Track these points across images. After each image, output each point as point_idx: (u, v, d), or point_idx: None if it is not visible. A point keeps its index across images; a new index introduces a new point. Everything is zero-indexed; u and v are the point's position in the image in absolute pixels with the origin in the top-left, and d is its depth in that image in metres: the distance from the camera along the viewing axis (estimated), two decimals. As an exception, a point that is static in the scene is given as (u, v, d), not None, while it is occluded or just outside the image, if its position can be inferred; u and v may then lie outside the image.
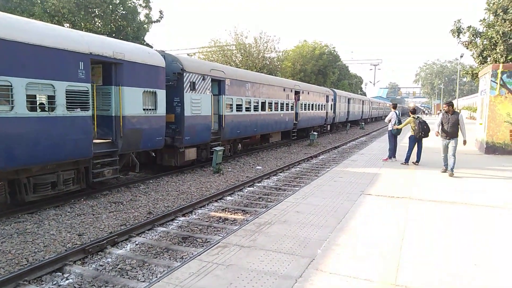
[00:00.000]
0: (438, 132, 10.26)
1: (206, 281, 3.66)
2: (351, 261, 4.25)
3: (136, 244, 6.60)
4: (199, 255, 4.44)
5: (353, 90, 62.43)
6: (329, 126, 33.05)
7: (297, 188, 9.72)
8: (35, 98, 8.33)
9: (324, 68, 46.98)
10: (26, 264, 5.60)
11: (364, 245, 4.76)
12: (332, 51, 50.41)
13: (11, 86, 7.17)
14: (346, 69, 63.67)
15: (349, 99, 38.92)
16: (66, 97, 8.31)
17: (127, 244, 6.60)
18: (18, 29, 7.43)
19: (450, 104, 10.19)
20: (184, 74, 12.38)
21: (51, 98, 8.10)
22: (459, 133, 9.92)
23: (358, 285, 3.67)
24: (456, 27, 21.03)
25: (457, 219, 6.00)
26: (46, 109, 8.10)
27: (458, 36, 21.09)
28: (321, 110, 29.53)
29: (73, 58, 8.44)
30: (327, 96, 31.04)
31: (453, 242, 4.92)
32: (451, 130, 9.85)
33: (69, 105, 8.40)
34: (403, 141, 19.43)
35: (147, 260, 5.89)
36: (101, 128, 10.00)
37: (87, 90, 8.83)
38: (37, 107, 8.16)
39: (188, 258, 5.28)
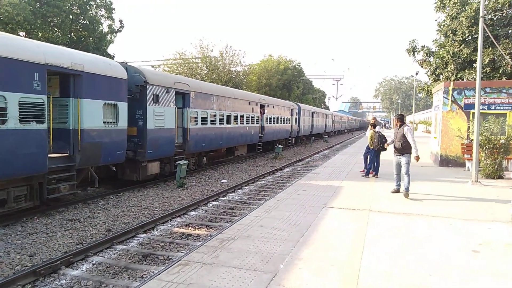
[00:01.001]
0: (388, 144, 10.27)
1: (165, 302, 3.53)
2: (313, 275, 4.27)
3: (93, 264, 6.28)
4: (159, 274, 4.29)
5: (316, 104, 63.99)
6: (294, 139, 33.58)
7: (262, 202, 9.71)
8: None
9: (288, 83, 47.91)
10: (-33, 290, 5.16)
11: (325, 258, 4.81)
12: (297, 66, 51.59)
13: (-44, 97, 6.70)
14: (310, 84, 65.27)
15: (313, 113, 39.82)
16: (19, 109, 7.87)
17: (83, 264, 6.27)
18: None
19: (398, 118, 9.46)
20: (147, 86, 12.16)
21: (2, 110, 7.64)
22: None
23: (320, 299, 3.68)
24: (412, 46, 22.24)
25: (413, 230, 6.22)
26: (-4, 122, 7.63)
27: (413, 54, 22.29)
28: (286, 123, 29.98)
29: (27, 69, 8.05)
30: (292, 110, 31.60)
31: (410, 252, 5.09)
32: (400, 145, 8.97)
33: (22, 118, 7.96)
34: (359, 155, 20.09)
35: (104, 281, 5.61)
36: (57, 142, 9.54)
37: (43, 102, 8.43)
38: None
39: (148, 277, 5.08)
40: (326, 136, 44.20)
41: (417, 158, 8.77)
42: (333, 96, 69.30)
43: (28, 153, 8.10)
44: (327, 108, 78.55)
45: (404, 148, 8.94)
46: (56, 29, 21.81)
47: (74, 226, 8.20)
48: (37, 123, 8.31)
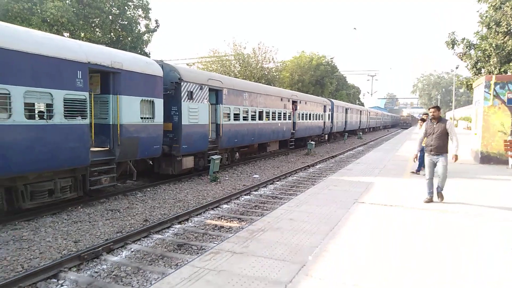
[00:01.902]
0: (417, 155, 8.42)
1: (197, 286, 3.73)
2: (341, 267, 4.32)
3: (132, 251, 6.65)
4: (192, 261, 4.51)
5: (350, 100, 62.81)
6: (326, 135, 33.24)
7: (292, 197, 9.79)
8: (33, 106, 8.45)
9: (321, 79, 47.38)
10: (21, 271, 5.64)
11: (353, 252, 4.83)
12: (330, 62, 50.88)
13: (9, 94, 7.28)
14: (344, 80, 64.16)
15: (346, 109, 39.19)
16: (64, 105, 8.42)
17: (122, 251, 6.64)
18: (16, 38, 7.56)
19: (436, 110, 7.88)
20: (182, 83, 12.53)
21: (49, 106, 8.21)
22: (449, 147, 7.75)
23: (347, 290, 3.74)
24: (451, 39, 21.34)
25: (445, 227, 6.08)
26: (44, 117, 8.20)
27: (453, 47, 21.39)
28: (319, 119, 29.73)
29: (71, 67, 8.58)
30: (325, 106, 31.28)
31: (439, 249, 5.00)
32: (438, 143, 7.60)
33: (67, 113, 8.51)
34: (393, 151, 19.61)
35: (142, 267, 5.93)
36: (98, 136, 10.09)
37: (85, 99, 8.95)
38: (35, 115, 8.26)
39: (181, 264, 5.34)
40: (361, 133, 43.35)
41: (456, 157, 7.60)
42: (368, 92, 67.64)
43: (72, 147, 8.65)
44: (362, 104, 76.85)
45: (444, 147, 7.63)
46: (97, 29, 22.86)
47: (114, 216, 8.67)
48: (80, 118, 8.84)
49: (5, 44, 7.23)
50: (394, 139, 33.54)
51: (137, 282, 5.42)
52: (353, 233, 5.61)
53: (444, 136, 7.62)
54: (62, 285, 5.34)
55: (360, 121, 47.18)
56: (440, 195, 7.82)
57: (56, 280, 5.47)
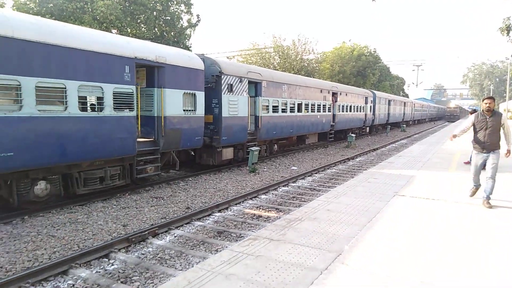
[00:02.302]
0: (454, 136, 7.21)
1: (236, 269, 3.93)
2: (376, 258, 4.34)
3: (175, 236, 7.03)
4: (231, 245, 4.73)
5: (394, 92, 60.62)
6: (368, 128, 32.45)
7: (331, 189, 9.78)
8: (86, 99, 9.06)
9: (363, 70, 46.11)
10: (77, 249, 6.18)
11: (391, 244, 4.82)
12: (372, 52, 49.33)
13: (65, 88, 7.89)
14: (387, 70, 61.95)
15: (389, 101, 37.93)
16: (113, 98, 8.96)
17: (166, 236, 7.04)
18: (72, 37, 8.14)
19: (491, 101, 6.72)
20: (222, 76, 12.82)
21: (99, 99, 8.79)
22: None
23: (380, 280, 3.78)
24: (506, 24, 19.98)
25: (489, 223, 5.85)
26: (96, 109, 8.79)
27: (508, 33, 20.02)
28: (360, 111, 29.08)
29: (119, 62, 9.09)
30: (366, 98, 30.50)
31: (479, 245, 4.85)
32: (492, 140, 6.65)
33: (116, 106, 9.05)
34: (439, 145, 18.80)
35: (184, 251, 6.27)
36: (144, 128, 10.63)
37: (132, 92, 9.46)
38: (88, 108, 8.87)
39: (221, 249, 5.59)
40: (404, 125, 41.82)
41: (509, 152, 6.74)
42: (413, 83, 64.83)
43: (120, 137, 9.20)
44: (406, 95, 73.87)
45: (497, 143, 6.73)
46: (142, 25, 23.82)
47: (158, 203, 9.15)
48: (127, 110, 9.37)
49: (62, 42, 7.81)
50: (440, 132, 32.08)
51: (180, 265, 5.75)
52: (391, 226, 5.57)
53: (498, 132, 6.71)
54: (112, 264, 5.79)
55: (404, 113, 45.45)
56: (486, 202, 6.78)
57: (107, 260, 5.94)
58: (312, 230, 5.27)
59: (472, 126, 6.95)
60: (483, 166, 6.93)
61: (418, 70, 58.56)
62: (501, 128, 6.70)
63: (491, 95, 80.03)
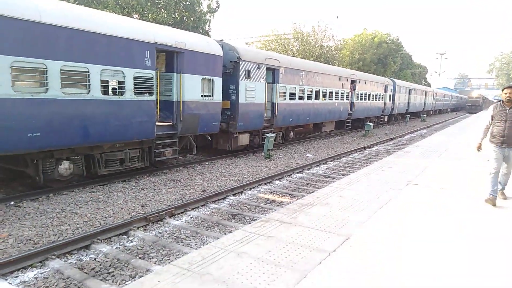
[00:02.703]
0: (480, 146, 6.73)
1: (248, 248, 4.13)
2: (386, 244, 4.46)
3: (191, 217, 7.30)
4: (244, 226, 4.93)
5: (416, 81, 59.30)
6: (386, 117, 32.03)
7: (344, 176, 9.85)
8: (108, 83, 9.34)
9: (384, 57, 45.18)
10: (98, 226, 6.52)
11: (401, 232, 4.91)
12: (394, 40, 48.18)
13: (88, 72, 8.16)
14: (409, 59, 60.48)
15: (410, 90, 37.20)
16: (134, 82, 9.21)
17: (182, 217, 7.32)
18: (94, 22, 8.37)
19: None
20: (240, 62, 12.91)
21: (120, 83, 9.05)
22: None
23: (389, 262, 3.90)
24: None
25: (502, 221, 5.86)
26: (117, 93, 9.07)
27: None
28: (379, 100, 28.69)
29: (140, 47, 9.30)
30: (386, 86, 30.02)
31: (487, 239, 4.89)
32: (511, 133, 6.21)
33: (136, 90, 9.31)
34: (459, 136, 18.43)
35: (200, 232, 6.53)
36: (163, 112, 10.89)
37: (152, 77, 9.69)
38: (109, 91, 9.16)
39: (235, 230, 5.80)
40: (425, 115, 41.00)
41: None
42: (436, 72, 63.15)
43: (140, 121, 9.48)
44: (428, 84, 72.04)
45: None
46: (162, 10, 23.95)
47: (175, 185, 9.45)
48: (147, 95, 9.62)
49: (86, 27, 8.05)
50: (461, 123, 31.40)
51: (195, 244, 6.01)
52: (402, 214, 5.65)
53: None
54: (131, 241, 6.10)
55: (424, 103, 44.53)
56: (502, 194, 6.73)
57: (126, 237, 6.25)
58: (323, 214, 5.41)
59: (491, 118, 6.50)
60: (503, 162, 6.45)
61: (442, 58, 56.87)
62: None
63: (518, 85, 77.01)
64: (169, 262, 5.09)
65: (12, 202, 7.51)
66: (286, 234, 4.59)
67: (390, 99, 31.26)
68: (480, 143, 6.71)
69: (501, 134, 6.25)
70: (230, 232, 6.41)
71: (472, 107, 67.89)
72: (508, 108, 6.24)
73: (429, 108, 48.21)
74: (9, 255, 5.23)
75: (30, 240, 5.84)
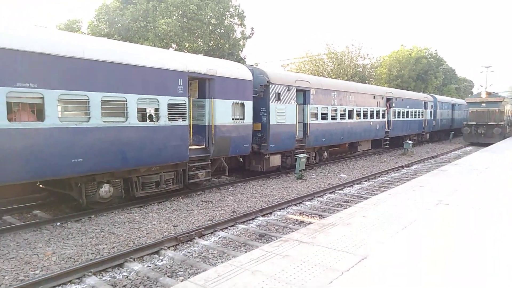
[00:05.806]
0: None
1: (262, 266, 4.28)
2: (403, 265, 4.42)
3: (219, 237, 7.56)
4: (262, 245, 5.09)
5: (461, 96, 56.73)
6: (428, 134, 30.87)
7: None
8: (144, 111, 10.03)
9: (424, 73, 43.92)
10: (132, 246, 6.94)
11: (418, 252, 4.83)
12: (434, 54, 46.82)
13: (126, 101, 8.86)
14: (453, 73, 58.22)
15: (453, 105, 35.74)
16: (168, 109, 9.83)
17: (211, 237, 7.60)
18: (131, 54, 9.12)
19: None
20: (270, 86, 13.29)
21: (156, 110, 9.69)
22: None
23: (402, 286, 3.89)
24: None
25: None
26: (152, 119, 9.70)
27: None
28: (418, 117, 27.84)
29: (173, 76, 9.95)
30: (426, 103, 29.12)
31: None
32: None
33: (170, 116, 9.91)
34: (505, 152, 17.40)
35: (226, 251, 6.76)
36: (196, 136, 11.43)
37: (185, 103, 10.27)
38: (146, 118, 9.82)
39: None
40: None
41: None
42: (481, 85, 60.13)
43: (174, 145, 10.03)
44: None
45: None
46: (199, 39, 25.23)
47: (207, 206, 9.80)
48: (181, 120, 10.18)
49: (123, 60, 8.81)
50: (510, 139, 29.51)
51: (221, 263, 6.22)
52: (425, 234, 5.54)
53: None
54: (162, 260, 6.44)
55: (470, 118, 42.40)
56: None
57: (157, 256, 6.62)
58: (343, 234, 5.44)
59: None
60: None
61: (487, 71, 54.12)
62: None
63: None
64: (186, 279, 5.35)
65: (58, 223, 8.20)
66: (302, 253, 4.69)
67: (431, 116, 30.23)
68: None
69: None
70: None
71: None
72: None
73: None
74: (51, 271, 5.74)
75: (70, 258, 6.36)
